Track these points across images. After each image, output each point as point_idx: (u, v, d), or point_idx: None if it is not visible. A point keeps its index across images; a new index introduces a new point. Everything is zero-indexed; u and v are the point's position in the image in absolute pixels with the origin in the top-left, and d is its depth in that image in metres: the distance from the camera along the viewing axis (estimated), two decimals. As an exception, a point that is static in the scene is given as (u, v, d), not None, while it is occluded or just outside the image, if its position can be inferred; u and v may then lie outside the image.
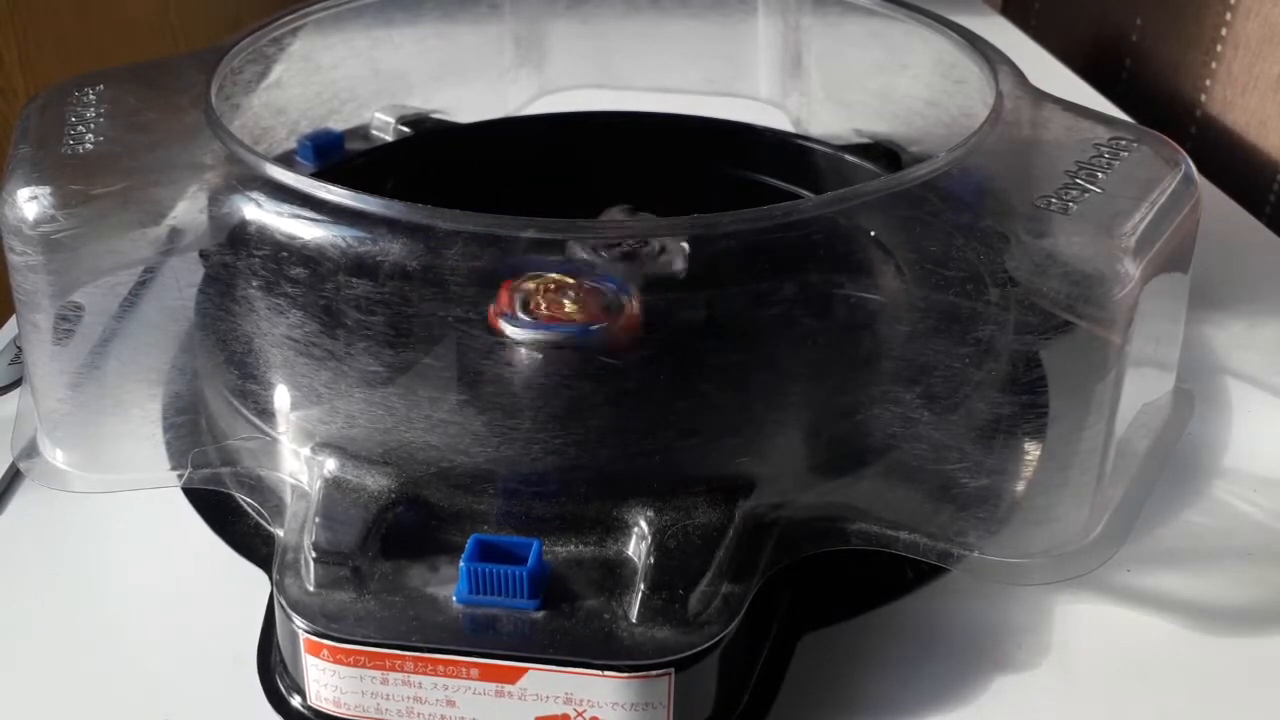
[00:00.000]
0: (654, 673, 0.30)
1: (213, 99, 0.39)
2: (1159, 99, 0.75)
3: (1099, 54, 0.81)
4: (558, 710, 0.30)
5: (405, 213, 0.32)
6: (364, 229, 0.32)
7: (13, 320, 0.47)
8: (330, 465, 0.34)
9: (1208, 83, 0.70)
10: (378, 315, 0.32)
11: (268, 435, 0.36)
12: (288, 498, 0.35)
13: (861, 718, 0.33)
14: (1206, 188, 0.59)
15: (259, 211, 0.34)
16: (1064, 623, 0.36)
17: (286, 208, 0.33)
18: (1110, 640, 0.35)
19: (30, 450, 0.40)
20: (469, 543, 0.32)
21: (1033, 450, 0.37)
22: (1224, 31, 0.68)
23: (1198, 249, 0.38)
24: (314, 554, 0.32)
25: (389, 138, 0.53)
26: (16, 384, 0.44)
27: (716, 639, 0.30)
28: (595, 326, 0.34)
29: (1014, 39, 0.78)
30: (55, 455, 0.39)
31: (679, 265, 0.32)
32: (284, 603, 0.31)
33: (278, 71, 0.48)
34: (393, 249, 0.31)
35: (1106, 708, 0.33)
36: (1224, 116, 0.69)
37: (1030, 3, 0.87)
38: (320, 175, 0.43)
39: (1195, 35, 0.71)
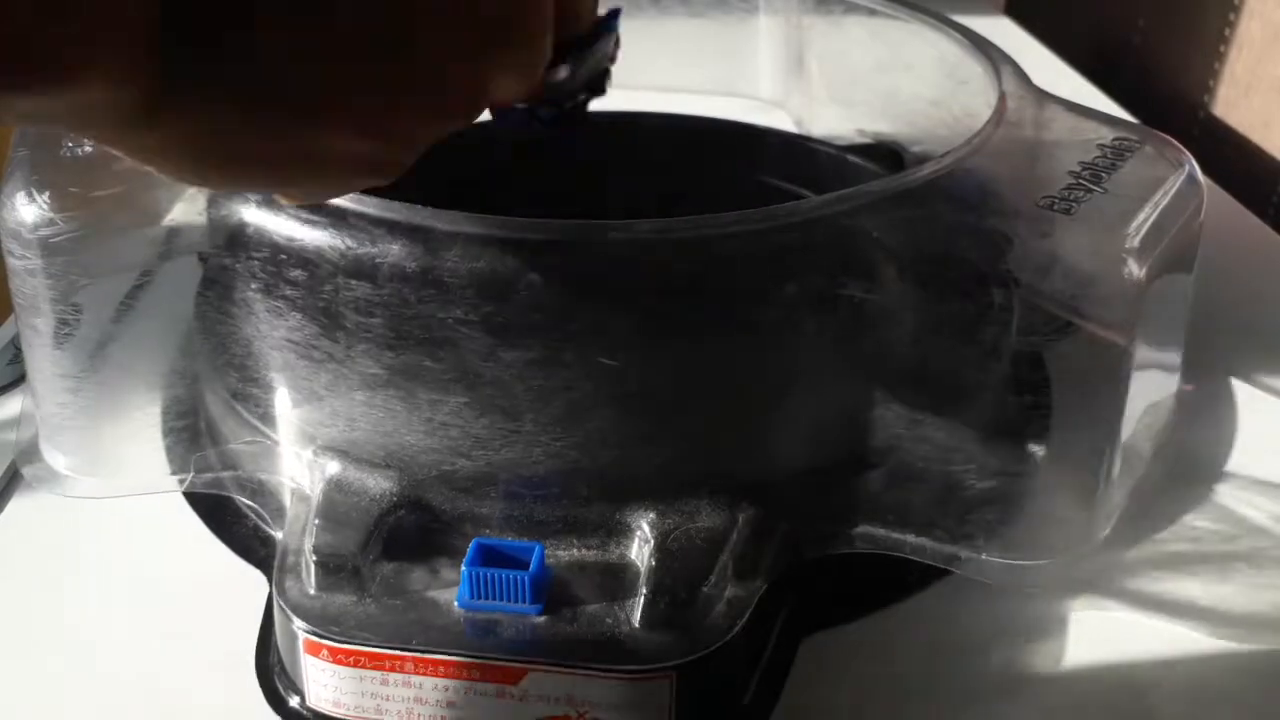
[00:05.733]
0: (656, 675, 0.30)
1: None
2: (1163, 99, 0.75)
3: (1103, 54, 0.81)
4: (558, 711, 0.30)
5: (404, 214, 0.32)
6: (363, 231, 0.32)
7: (12, 320, 0.47)
8: (331, 468, 0.34)
9: (1211, 83, 0.70)
10: (377, 317, 0.32)
11: (269, 439, 0.36)
12: (289, 501, 0.35)
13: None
14: (1210, 188, 0.59)
15: (257, 213, 0.34)
16: (1068, 625, 0.36)
17: (285, 210, 0.33)
18: (1114, 642, 0.35)
19: (31, 454, 0.39)
20: (471, 547, 0.31)
21: (1037, 452, 0.37)
22: (1228, 32, 0.68)
23: (1201, 249, 0.38)
24: (315, 557, 0.32)
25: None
26: (16, 384, 0.44)
27: (719, 643, 0.30)
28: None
29: (1018, 39, 0.78)
30: (56, 460, 0.39)
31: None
32: (284, 605, 0.31)
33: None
34: (392, 251, 0.31)
35: (1110, 710, 0.33)
36: (1228, 117, 0.69)
37: (1034, 3, 0.87)
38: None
39: (1199, 36, 0.71)
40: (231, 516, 0.39)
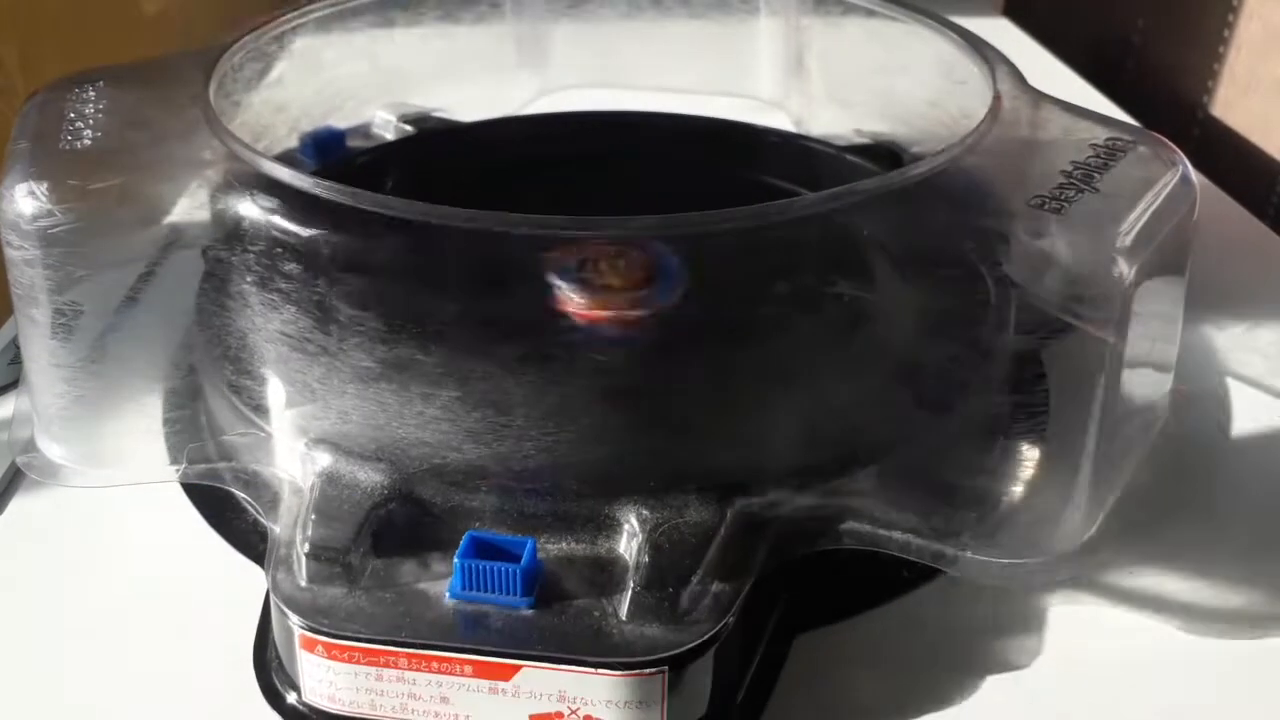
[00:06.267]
0: (647, 670, 0.30)
1: (211, 96, 0.40)
2: (1162, 100, 0.75)
3: (1102, 55, 0.81)
4: (551, 708, 0.30)
5: (398, 209, 0.32)
6: (359, 225, 0.32)
7: (12, 321, 0.47)
8: (324, 461, 0.34)
9: (1210, 84, 0.70)
10: (370, 311, 0.32)
11: (263, 430, 0.36)
12: (283, 493, 0.35)
13: (856, 718, 0.33)
14: (1210, 189, 0.59)
15: (257, 208, 0.34)
16: (1060, 623, 0.36)
17: (283, 204, 0.33)
18: (1107, 641, 0.35)
19: (28, 445, 0.40)
20: (464, 539, 0.32)
21: (1028, 451, 0.37)
22: (1226, 33, 0.68)
23: (1200, 250, 0.38)
24: (307, 549, 0.32)
25: (391, 136, 0.53)
26: (16, 384, 0.44)
27: (707, 637, 0.30)
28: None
29: (1017, 40, 0.78)
30: (51, 449, 0.39)
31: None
32: (277, 598, 0.32)
33: (279, 69, 0.48)
34: (385, 245, 0.31)
35: (1103, 709, 0.33)
36: (1227, 117, 0.69)
37: (1033, 3, 0.87)
38: (321, 173, 0.43)
39: (1198, 36, 0.71)
40: (232, 512, 0.39)
